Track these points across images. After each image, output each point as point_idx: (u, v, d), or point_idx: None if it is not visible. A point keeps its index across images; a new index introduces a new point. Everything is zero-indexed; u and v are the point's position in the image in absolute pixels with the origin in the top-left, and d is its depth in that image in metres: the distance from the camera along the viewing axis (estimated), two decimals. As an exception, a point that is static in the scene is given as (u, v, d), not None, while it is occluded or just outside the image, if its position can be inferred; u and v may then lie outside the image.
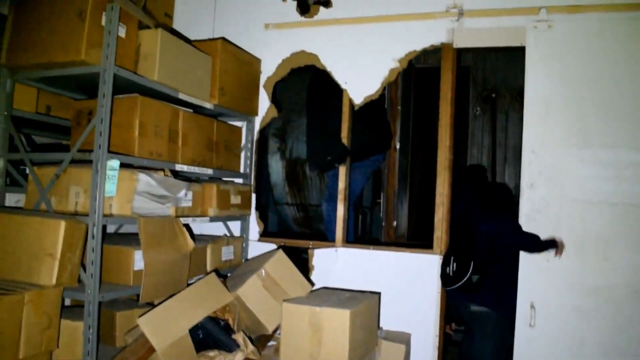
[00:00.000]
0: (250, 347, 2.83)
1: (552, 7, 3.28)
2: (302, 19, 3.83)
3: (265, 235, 3.92)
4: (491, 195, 3.68)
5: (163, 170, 2.97)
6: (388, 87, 4.75)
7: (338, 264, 3.60)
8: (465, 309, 3.50)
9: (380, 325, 3.41)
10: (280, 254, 3.09)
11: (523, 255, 3.23)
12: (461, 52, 3.74)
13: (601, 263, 3.11)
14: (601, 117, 3.15)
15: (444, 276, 3.31)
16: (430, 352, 3.39)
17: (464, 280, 3.19)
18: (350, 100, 3.66)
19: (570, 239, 3.15)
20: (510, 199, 3.67)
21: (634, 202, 3.07)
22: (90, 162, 2.61)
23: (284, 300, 2.80)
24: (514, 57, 3.65)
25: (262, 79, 3.90)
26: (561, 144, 3.20)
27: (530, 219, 3.23)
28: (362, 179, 4.21)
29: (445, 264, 3.31)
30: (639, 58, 3.11)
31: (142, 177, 2.74)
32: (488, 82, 5.92)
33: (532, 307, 3.21)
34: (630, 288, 3.05)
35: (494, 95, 5.85)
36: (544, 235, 3.18)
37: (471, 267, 3.20)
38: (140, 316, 2.64)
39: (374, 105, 3.76)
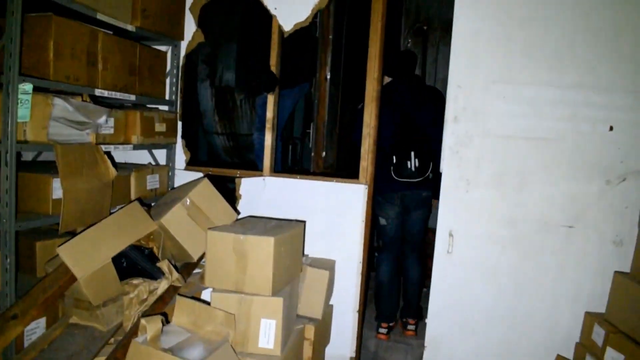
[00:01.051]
0: (175, 274, 2.84)
1: None
2: (232, -62, 3.65)
3: (193, 164, 3.87)
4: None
5: (81, 95, 2.84)
6: (320, 15, 4.66)
7: (265, 193, 3.62)
8: (417, 195, 3.97)
9: (306, 252, 3.50)
10: (206, 182, 3.07)
11: (444, 186, 3.35)
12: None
13: (517, 195, 3.27)
14: (526, 54, 3.21)
15: (403, 169, 3.66)
16: (354, 277, 3.53)
17: (425, 176, 3.79)
18: (280, 27, 3.57)
19: (490, 172, 3.29)
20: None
21: (550, 137, 3.21)
22: (0, 85, 2.45)
23: (209, 228, 2.81)
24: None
25: (188, 2, 3.72)
26: (486, 79, 3.26)
27: (453, 152, 3.33)
28: (290, 105, 4.20)
29: (404, 158, 3.61)
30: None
31: (58, 101, 2.61)
32: (421, 13, 5.90)
33: (451, 235, 3.37)
34: (542, 220, 3.25)
35: (425, 27, 5.87)
36: (465, 169, 3.31)
37: (431, 165, 3.79)
38: (59, 245, 2.58)
39: (303, 33, 3.69)
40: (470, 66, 3.27)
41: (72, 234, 2.77)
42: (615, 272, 3.07)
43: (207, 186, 3.06)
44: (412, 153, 3.84)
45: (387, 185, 3.96)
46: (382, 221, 4.08)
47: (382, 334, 4.23)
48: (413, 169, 3.84)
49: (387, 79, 4.11)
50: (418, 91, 4.13)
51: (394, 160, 3.86)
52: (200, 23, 3.75)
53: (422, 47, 5.92)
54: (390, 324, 4.28)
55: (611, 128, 3.16)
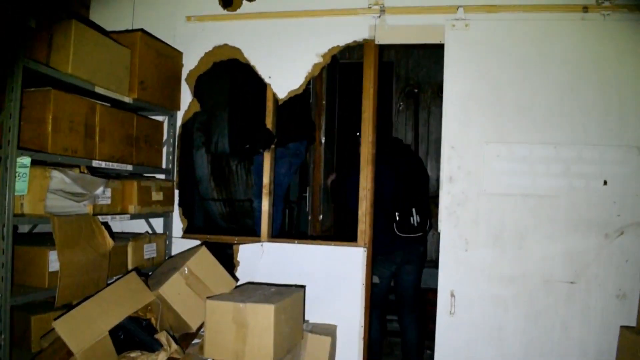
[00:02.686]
0: (174, 346, 2.78)
1: (469, 6, 3.39)
2: (225, 12, 3.77)
3: (190, 231, 3.86)
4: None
5: (79, 167, 2.86)
6: (313, 81, 4.79)
7: (264, 259, 3.59)
8: (416, 250, 4.03)
9: (307, 318, 3.44)
10: (203, 250, 3.05)
11: (442, 246, 3.35)
12: (384, 48, 3.81)
13: (517, 253, 3.28)
14: (517, 113, 3.30)
15: (406, 225, 3.75)
16: (356, 342, 3.45)
17: (426, 229, 3.90)
18: (274, 95, 3.65)
19: (488, 230, 3.30)
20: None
21: (546, 194, 3.25)
22: (-1, 159, 2.47)
23: (207, 297, 2.77)
24: (436, 53, 3.77)
25: (184, 73, 3.81)
26: (479, 139, 3.33)
27: (450, 212, 3.35)
28: (289, 171, 4.22)
29: (407, 215, 3.74)
30: (551, 58, 3.28)
31: (56, 174, 2.63)
32: (411, 77, 6.06)
33: (452, 295, 3.33)
34: (543, 277, 3.25)
35: (416, 90, 6.01)
36: (463, 229, 3.31)
37: (429, 221, 3.92)
38: (55, 319, 2.53)
39: (297, 98, 3.77)
40: (463, 127, 3.34)
41: (69, 306, 2.72)
42: (621, 327, 3.03)
43: (205, 254, 3.04)
44: (414, 209, 3.90)
45: (388, 243, 3.94)
46: (375, 279, 4.03)
47: None
48: (415, 224, 3.89)
49: None
50: (407, 151, 4.29)
51: (397, 217, 3.88)
52: (196, 93, 3.83)
53: (414, 109, 6.04)
54: None
55: (605, 182, 3.20)
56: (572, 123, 3.24)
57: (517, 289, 3.26)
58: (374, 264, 3.99)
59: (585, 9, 3.27)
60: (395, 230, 3.86)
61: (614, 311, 3.16)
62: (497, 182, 3.29)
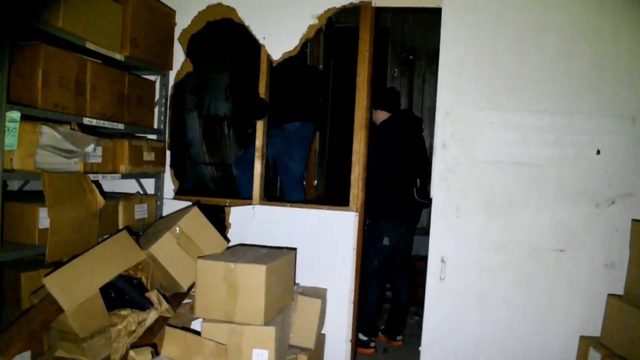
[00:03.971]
0: (165, 305, 2.79)
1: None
2: (221, -31, 3.69)
3: (181, 193, 3.84)
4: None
5: (69, 123, 2.82)
6: (310, 45, 4.72)
7: (255, 222, 3.58)
8: (418, 212, 4.26)
9: (297, 281, 3.46)
10: (195, 210, 3.04)
11: (434, 213, 3.36)
12: (380, 12, 3.74)
13: (507, 221, 3.29)
14: (512, 81, 3.27)
15: (424, 191, 3.81)
16: (346, 305, 3.48)
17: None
18: (268, 56, 3.59)
19: (479, 197, 3.30)
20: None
21: (538, 163, 3.25)
22: (-12, 113, 2.42)
23: (199, 257, 2.77)
24: (432, 19, 3.70)
25: (177, 32, 3.74)
26: (473, 106, 3.30)
27: (442, 178, 3.34)
28: (302, 162, 4.24)
29: (424, 182, 3.84)
30: (548, 26, 3.24)
31: (46, 129, 2.59)
32: (406, 43, 6.00)
33: (443, 261, 3.35)
34: (532, 245, 3.27)
35: (411, 57, 5.95)
36: (454, 195, 3.32)
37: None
38: (45, 275, 2.52)
39: (303, 75, 3.73)
40: (457, 93, 3.31)
41: (59, 264, 2.71)
42: (609, 295, 3.07)
43: (196, 214, 3.03)
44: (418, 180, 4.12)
45: (408, 208, 4.13)
46: (386, 241, 4.07)
47: (373, 347, 4.20)
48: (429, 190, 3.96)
49: (382, 115, 4.15)
50: (416, 122, 4.30)
51: (418, 184, 4.05)
52: (189, 53, 3.77)
53: (409, 76, 6.00)
54: (375, 339, 4.26)
55: (598, 152, 3.20)
56: (567, 92, 3.22)
57: (506, 256, 3.29)
58: (385, 227, 4.02)
59: (587, -25, 3.22)
60: (416, 196, 4.03)
61: (602, 280, 3.20)
62: (490, 150, 3.28)
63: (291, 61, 3.66)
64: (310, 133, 4.30)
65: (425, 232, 3.53)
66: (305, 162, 4.46)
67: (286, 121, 4.01)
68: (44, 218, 2.64)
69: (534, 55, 3.25)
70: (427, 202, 3.86)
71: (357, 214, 3.46)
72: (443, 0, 3.32)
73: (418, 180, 4.02)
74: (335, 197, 4.48)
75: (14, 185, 3.33)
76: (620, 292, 3.07)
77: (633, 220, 3.08)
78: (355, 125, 3.49)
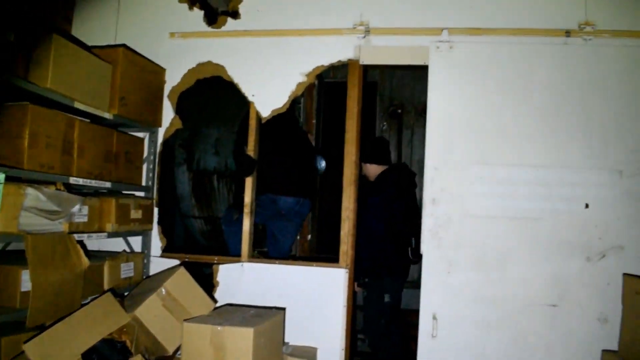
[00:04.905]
0: (149, 370, 2.71)
1: (453, 28, 3.41)
2: (210, 29, 3.75)
3: (169, 250, 3.78)
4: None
5: (55, 183, 2.79)
6: (303, 100, 4.77)
7: (244, 280, 3.52)
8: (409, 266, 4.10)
9: (287, 340, 3.37)
10: (182, 270, 2.99)
11: (425, 268, 3.32)
12: (368, 68, 3.81)
13: (499, 276, 3.25)
14: (500, 136, 3.31)
15: (418, 251, 3.53)
16: (337, 364, 3.40)
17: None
18: (257, 113, 3.62)
19: (470, 252, 3.27)
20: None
21: (528, 217, 3.24)
22: (-29, 175, 2.40)
23: (185, 320, 2.71)
24: (420, 73, 3.77)
25: (167, 89, 3.77)
26: (462, 161, 3.32)
27: (433, 234, 3.32)
28: (292, 235, 4.19)
29: (418, 241, 3.53)
30: (534, 81, 3.30)
31: (31, 191, 2.56)
32: (394, 97, 6.07)
33: (434, 318, 3.29)
34: (525, 300, 3.22)
35: (399, 111, 6.02)
36: (445, 251, 3.29)
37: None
38: (26, 341, 2.44)
39: (298, 138, 3.75)
40: (446, 149, 3.33)
41: (42, 328, 2.63)
42: (603, 351, 3.03)
43: (183, 275, 2.98)
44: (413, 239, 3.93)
45: (401, 267, 4.02)
46: (387, 298, 3.98)
47: None
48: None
49: (373, 169, 4.12)
50: (410, 177, 4.20)
51: (413, 244, 3.88)
52: (178, 109, 3.79)
53: (397, 129, 6.05)
54: None
55: (587, 205, 3.20)
56: (555, 146, 3.25)
57: (500, 311, 3.23)
58: (387, 284, 3.94)
59: (567, 33, 3.30)
60: (410, 255, 3.90)
61: (595, 335, 3.15)
62: (480, 205, 3.28)
63: (286, 124, 3.69)
64: (305, 210, 4.13)
65: (417, 285, 3.47)
66: (295, 237, 4.33)
67: (279, 193, 3.92)
68: (26, 281, 2.58)
69: (522, 109, 3.30)
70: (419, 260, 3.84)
71: (347, 270, 3.42)
72: (430, 58, 3.38)
73: (413, 240, 3.88)
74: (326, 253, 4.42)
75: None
76: (615, 347, 3.02)
77: (624, 274, 3.06)
78: (345, 181, 3.49)
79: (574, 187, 3.23)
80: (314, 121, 4.91)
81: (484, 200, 3.28)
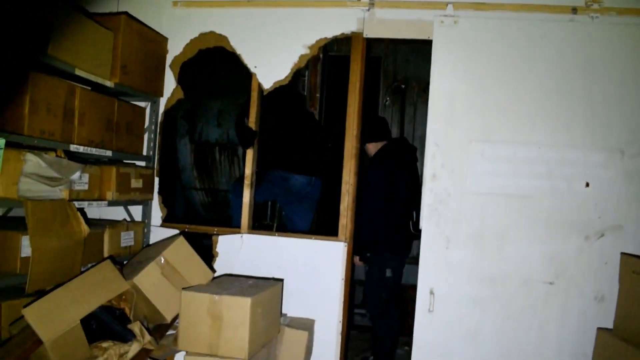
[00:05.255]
0: (147, 337, 2.74)
1: (458, 3, 3.36)
2: (213, -2, 3.71)
3: (170, 220, 3.80)
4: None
5: (55, 150, 2.79)
6: (308, 74, 4.73)
7: (243, 251, 3.54)
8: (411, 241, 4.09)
9: (285, 311, 3.41)
10: (181, 240, 3.00)
11: (424, 244, 3.32)
12: (372, 42, 3.77)
13: (497, 253, 3.26)
14: (502, 113, 3.28)
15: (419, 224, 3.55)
16: (334, 337, 3.43)
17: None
18: (260, 85, 3.60)
19: (469, 229, 3.28)
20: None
21: (528, 195, 3.23)
22: (-29, 139, 2.40)
23: (183, 289, 2.73)
24: (424, 49, 3.72)
25: (169, 59, 3.74)
26: (463, 138, 3.30)
27: (432, 210, 3.32)
28: (309, 212, 4.18)
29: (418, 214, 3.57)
30: (539, 58, 3.26)
31: (30, 157, 2.56)
32: (398, 73, 6.02)
33: (432, 293, 3.31)
34: (522, 277, 3.24)
35: (403, 86, 5.97)
36: (444, 227, 3.29)
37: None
38: (25, 306, 2.47)
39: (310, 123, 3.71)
40: (448, 125, 3.31)
41: (41, 293, 2.65)
42: (598, 329, 3.03)
43: (182, 244, 3.00)
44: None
45: (403, 241, 4.01)
46: (389, 272, 4.00)
47: None
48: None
49: (373, 147, 4.10)
50: (410, 151, 4.21)
51: (414, 217, 3.89)
52: (180, 80, 3.76)
53: (400, 105, 6.01)
54: None
55: (587, 184, 3.19)
56: (557, 124, 3.23)
57: (496, 288, 3.25)
58: (388, 258, 3.96)
59: (574, 10, 3.26)
60: (412, 228, 3.90)
61: (591, 313, 3.17)
62: (480, 182, 3.27)
63: (293, 99, 3.66)
64: (316, 192, 4.13)
65: (415, 260, 3.49)
66: (311, 217, 4.30)
67: (292, 170, 3.93)
68: (26, 247, 2.60)
69: (524, 87, 3.27)
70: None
71: (346, 244, 3.43)
72: (433, 32, 3.34)
73: (414, 214, 3.87)
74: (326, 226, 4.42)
75: (-3, 211, 3.29)
76: (610, 325, 3.04)
77: (622, 253, 3.05)
78: (345, 155, 3.48)
79: (575, 166, 3.21)
80: (318, 95, 4.88)
81: (484, 178, 3.27)
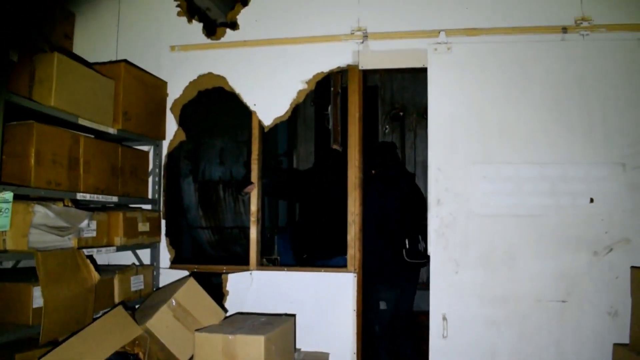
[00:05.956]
0: (163, 380, 2.72)
1: (450, 30, 3.44)
2: (209, 40, 3.79)
3: (178, 261, 3.80)
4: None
5: (63, 200, 2.82)
6: (331, 108, 4.76)
7: (253, 288, 3.55)
8: (415, 273, 4.05)
9: (298, 346, 3.39)
10: (191, 281, 3.01)
11: (433, 269, 3.33)
12: (368, 73, 3.82)
13: (507, 274, 3.26)
14: (501, 134, 3.32)
15: (415, 251, 3.65)
16: (349, 369, 3.41)
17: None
18: (260, 122, 3.65)
19: (477, 251, 3.28)
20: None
21: (533, 214, 3.25)
22: (-21, 194, 2.43)
23: (196, 330, 2.72)
24: (419, 76, 3.79)
25: (169, 102, 3.81)
26: (465, 161, 3.34)
27: (439, 235, 3.33)
28: None
29: (415, 242, 3.70)
30: (534, 78, 3.32)
31: (39, 208, 2.58)
32: (396, 100, 6.10)
33: (444, 318, 3.30)
34: (534, 296, 3.23)
35: (401, 113, 6.04)
36: (452, 251, 3.30)
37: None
38: (39, 358, 2.47)
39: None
40: (448, 149, 3.35)
41: (54, 343, 2.65)
42: (614, 344, 3.02)
43: (192, 286, 3.00)
44: (420, 236, 3.86)
45: (396, 270, 3.89)
46: (383, 305, 3.96)
47: None
48: (422, 250, 3.83)
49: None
50: (410, 176, 4.23)
51: (407, 245, 3.83)
52: (182, 121, 3.82)
53: (400, 132, 6.07)
54: None
55: (592, 200, 3.21)
56: (557, 142, 3.27)
57: (509, 309, 3.24)
58: (379, 289, 3.92)
59: (564, 29, 3.33)
60: (405, 256, 3.82)
61: (606, 328, 3.15)
62: (485, 203, 3.29)
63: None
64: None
65: (427, 286, 3.48)
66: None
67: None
68: (38, 297, 2.60)
69: (522, 107, 3.32)
70: (420, 262, 3.83)
71: (355, 274, 3.43)
72: (428, 60, 3.40)
73: (407, 241, 3.84)
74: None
75: (7, 263, 3.31)
76: (625, 340, 3.02)
77: (632, 267, 3.06)
78: (349, 185, 3.51)
79: (578, 182, 3.24)
80: (339, 128, 4.88)
81: (489, 199, 3.29)
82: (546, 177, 3.26)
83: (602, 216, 3.20)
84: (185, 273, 3.58)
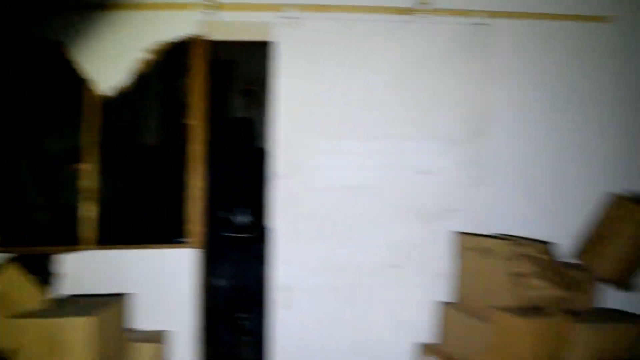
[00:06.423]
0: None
1: (300, 5, 3.45)
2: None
3: (7, 244, 3.46)
4: None
5: None
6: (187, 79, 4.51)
7: (91, 268, 3.35)
8: (254, 248, 3.92)
9: (137, 326, 3.26)
10: (14, 265, 2.77)
11: (279, 241, 3.40)
12: (222, 46, 3.71)
13: (346, 244, 3.43)
14: (344, 110, 3.44)
15: (242, 226, 3.64)
16: (191, 345, 3.39)
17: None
18: (99, 93, 3.41)
19: (318, 223, 3.41)
20: None
21: (370, 186, 3.44)
22: None
23: (17, 316, 2.52)
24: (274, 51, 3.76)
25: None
26: (309, 136, 3.42)
27: (282, 208, 3.39)
28: None
29: (243, 216, 3.66)
30: (378, 56, 3.46)
31: None
32: (249, 75, 6.01)
33: (287, 289, 3.39)
34: (372, 264, 3.44)
35: (254, 88, 5.97)
36: (294, 223, 3.36)
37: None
38: None
39: None
40: (291, 124, 3.39)
41: None
42: (443, 302, 3.34)
43: (15, 269, 2.77)
44: (250, 210, 3.98)
45: (225, 244, 3.96)
46: (220, 281, 3.94)
47: None
48: (249, 223, 3.95)
49: None
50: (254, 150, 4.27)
51: (235, 220, 3.95)
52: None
53: (253, 107, 6.00)
54: None
55: (425, 173, 3.42)
56: (394, 119, 3.45)
57: (348, 277, 3.42)
58: (215, 265, 3.90)
59: (409, 11, 3.46)
60: (232, 231, 3.87)
61: (435, 289, 3.43)
62: (325, 177, 3.41)
63: None
64: None
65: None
66: None
67: None
68: None
69: (365, 84, 3.45)
70: (248, 235, 3.88)
71: (195, 250, 3.40)
72: (276, 33, 3.40)
73: (235, 216, 3.90)
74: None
75: None
76: (454, 298, 3.34)
77: (458, 232, 3.36)
78: (192, 159, 3.42)
79: (412, 155, 3.45)
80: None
81: (329, 172, 3.42)
82: (384, 151, 3.44)
83: (433, 188, 3.45)
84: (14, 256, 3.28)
